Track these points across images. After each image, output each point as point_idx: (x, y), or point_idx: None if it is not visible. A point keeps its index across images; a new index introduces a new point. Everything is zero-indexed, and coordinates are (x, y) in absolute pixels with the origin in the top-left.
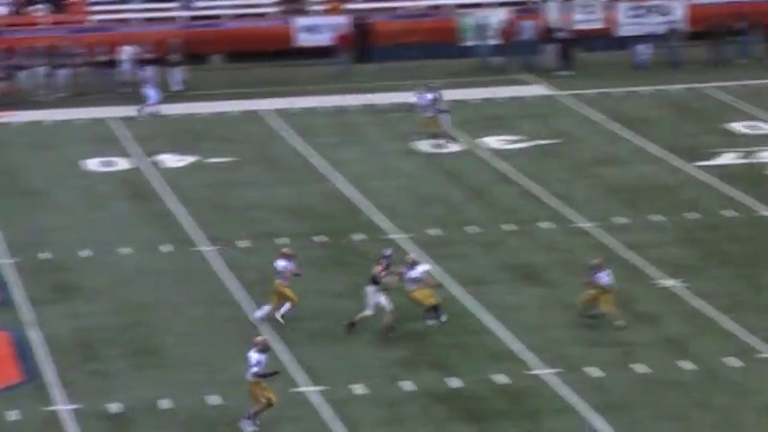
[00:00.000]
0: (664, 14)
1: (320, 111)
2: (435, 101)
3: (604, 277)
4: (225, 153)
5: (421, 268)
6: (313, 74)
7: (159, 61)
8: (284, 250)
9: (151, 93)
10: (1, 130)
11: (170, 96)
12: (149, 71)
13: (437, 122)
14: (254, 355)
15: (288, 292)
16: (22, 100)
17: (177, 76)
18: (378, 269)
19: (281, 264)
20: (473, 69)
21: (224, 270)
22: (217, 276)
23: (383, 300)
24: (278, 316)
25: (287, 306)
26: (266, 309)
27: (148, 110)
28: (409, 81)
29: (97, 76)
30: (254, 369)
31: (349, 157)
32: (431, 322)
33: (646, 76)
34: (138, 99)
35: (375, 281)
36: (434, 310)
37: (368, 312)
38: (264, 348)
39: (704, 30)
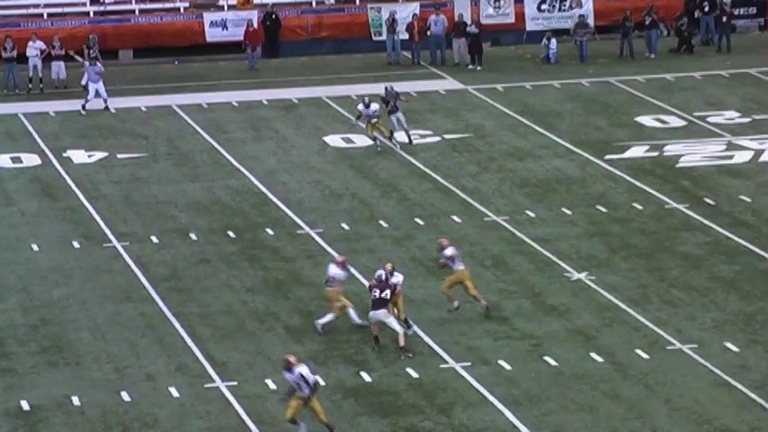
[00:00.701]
0: (572, 9)
1: (230, 106)
2: (376, 112)
3: (451, 252)
4: (135, 149)
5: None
6: (223, 69)
7: (69, 57)
8: (338, 258)
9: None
10: None
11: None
12: (91, 67)
13: (380, 128)
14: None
15: (342, 299)
16: None
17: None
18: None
19: (333, 271)
20: (383, 64)
21: (134, 266)
22: (127, 273)
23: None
24: (318, 324)
25: (329, 317)
26: (329, 317)
27: (88, 105)
28: (319, 76)
29: (6, 72)
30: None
31: (259, 152)
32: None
33: (554, 71)
34: (47, 96)
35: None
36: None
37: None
38: (288, 366)
39: (611, 24)
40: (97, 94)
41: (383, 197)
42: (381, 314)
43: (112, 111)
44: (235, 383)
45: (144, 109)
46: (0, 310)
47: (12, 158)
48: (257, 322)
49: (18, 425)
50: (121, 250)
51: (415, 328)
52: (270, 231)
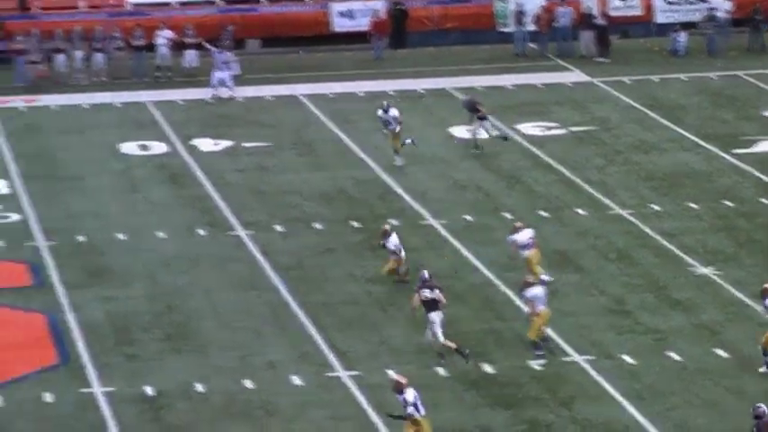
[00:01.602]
0: (702, 1)
1: (356, 96)
2: (397, 118)
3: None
4: (260, 138)
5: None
6: (349, 59)
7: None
8: (529, 279)
9: (216, 76)
10: (38, 114)
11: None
12: (219, 55)
13: (398, 137)
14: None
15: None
16: (59, 84)
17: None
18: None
19: (532, 293)
20: (509, 55)
21: (258, 255)
22: (251, 261)
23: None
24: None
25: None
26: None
27: (216, 93)
28: (445, 67)
29: (134, 60)
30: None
31: (384, 142)
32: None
33: (682, 63)
34: (174, 84)
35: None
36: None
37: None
38: (397, 389)
39: (742, 17)
40: (222, 83)
41: (507, 189)
42: (435, 316)
43: (240, 100)
44: (357, 373)
45: (270, 98)
46: (126, 297)
47: (139, 146)
48: (380, 312)
49: (143, 410)
50: (246, 239)
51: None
52: (394, 222)
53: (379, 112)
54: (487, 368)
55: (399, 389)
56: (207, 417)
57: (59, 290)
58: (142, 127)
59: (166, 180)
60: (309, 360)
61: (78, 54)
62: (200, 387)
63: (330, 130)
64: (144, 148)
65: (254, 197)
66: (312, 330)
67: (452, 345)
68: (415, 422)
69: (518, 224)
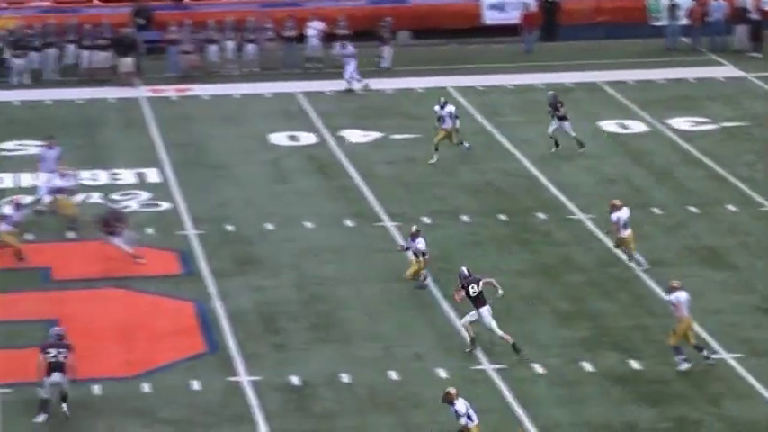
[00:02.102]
0: None
1: (505, 89)
2: (453, 113)
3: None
4: (409, 130)
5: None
6: (499, 51)
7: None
8: (674, 282)
9: (349, 69)
10: (189, 103)
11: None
12: (350, 48)
13: (451, 135)
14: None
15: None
16: (210, 74)
17: (387, 53)
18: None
19: (676, 297)
20: (661, 50)
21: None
22: (398, 253)
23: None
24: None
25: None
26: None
27: (358, 85)
28: (595, 60)
29: (284, 51)
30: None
31: (533, 135)
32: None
33: None
34: (324, 75)
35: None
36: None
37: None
38: (448, 400)
39: None
40: (352, 77)
41: (657, 184)
42: (485, 312)
43: (389, 91)
44: (502, 366)
45: (420, 90)
46: (273, 286)
47: (288, 136)
48: (526, 306)
49: (289, 399)
50: (393, 230)
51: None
52: (541, 215)
53: (436, 107)
54: (635, 364)
55: (450, 400)
56: (351, 407)
57: (208, 278)
58: (291, 117)
59: (315, 171)
60: (455, 353)
61: (230, 44)
62: (345, 377)
63: (479, 123)
64: (293, 138)
65: (401, 189)
66: (458, 323)
67: (509, 338)
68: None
69: (616, 202)
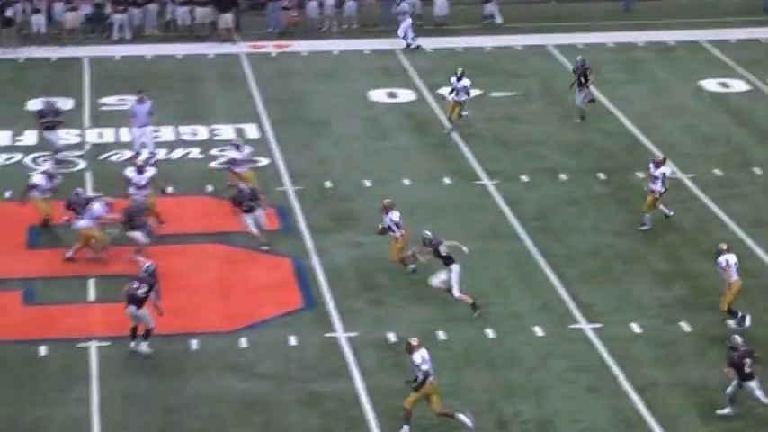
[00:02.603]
0: None
1: (605, 47)
2: (466, 88)
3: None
4: (509, 87)
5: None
6: (599, 10)
7: None
8: (722, 246)
9: (404, 26)
10: (289, 60)
11: (455, 29)
12: (406, 4)
13: (458, 108)
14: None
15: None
16: (309, 30)
17: (490, 9)
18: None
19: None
20: (762, 9)
21: (503, 204)
22: (495, 211)
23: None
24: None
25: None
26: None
27: (413, 42)
28: (697, 19)
29: (383, 8)
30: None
31: (633, 94)
32: None
33: None
34: (423, 32)
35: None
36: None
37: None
38: (407, 350)
39: None
40: (405, 33)
41: (759, 144)
42: (456, 268)
43: (488, 49)
44: (599, 325)
45: (520, 48)
46: (371, 243)
47: (387, 93)
48: (624, 265)
49: (385, 356)
50: (491, 188)
51: None
52: (640, 174)
53: (452, 78)
54: (732, 324)
55: (408, 350)
56: (448, 364)
57: (305, 234)
58: (390, 75)
59: (413, 128)
60: (551, 311)
61: (329, 1)
62: (441, 334)
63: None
64: (392, 95)
65: (500, 147)
66: (555, 281)
67: (468, 299)
68: (423, 385)
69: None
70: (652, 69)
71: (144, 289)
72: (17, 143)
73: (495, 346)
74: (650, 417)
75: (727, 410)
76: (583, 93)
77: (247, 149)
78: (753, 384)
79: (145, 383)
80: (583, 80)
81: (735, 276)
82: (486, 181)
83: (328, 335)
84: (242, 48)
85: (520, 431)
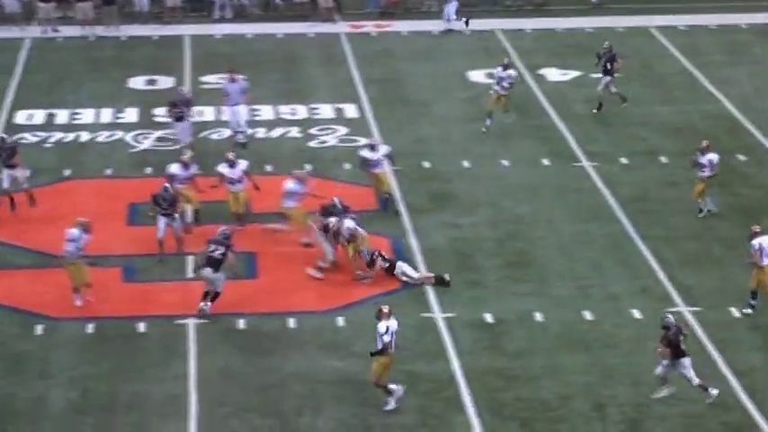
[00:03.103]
0: None
1: (707, 29)
2: (512, 78)
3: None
4: None
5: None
6: None
7: None
8: (756, 228)
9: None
10: (388, 39)
11: (557, 10)
12: None
13: (505, 102)
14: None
15: None
16: (409, 9)
17: None
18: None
19: (758, 242)
20: None
21: (602, 186)
22: (594, 192)
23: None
24: None
25: None
26: None
27: (456, 24)
28: None
29: None
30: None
31: (735, 76)
32: None
33: None
34: (524, 12)
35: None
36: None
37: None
38: (376, 316)
39: None
40: (449, 16)
41: None
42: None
43: (589, 30)
44: (698, 309)
45: (621, 29)
46: (470, 223)
47: (487, 74)
48: (724, 249)
49: (481, 336)
50: (590, 170)
51: None
52: (742, 157)
53: (498, 68)
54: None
55: (378, 316)
56: (544, 346)
57: (404, 214)
58: (491, 55)
59: (512, 109)
60: (650, 294)
61: None
62: (538, 316)
63: (680, 63)
64: (492, 76)
65: (599, 128)
66: (654, 264)
67: (430, 275)
68: (382, 354)
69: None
70: (755, 51)
71: (220, 251)
72: (118, 120)
73: (593, 328)
74: (749, 401)
75: (664, 392)
76: (605, 80)
77: (383, 149)
78: (686, 362)
79: (242, 361)
80: (609, 66)
81: (766, 261)
82: (585, 162)
83: (425, 315)
84: (342, 27)
85: (617, 414)
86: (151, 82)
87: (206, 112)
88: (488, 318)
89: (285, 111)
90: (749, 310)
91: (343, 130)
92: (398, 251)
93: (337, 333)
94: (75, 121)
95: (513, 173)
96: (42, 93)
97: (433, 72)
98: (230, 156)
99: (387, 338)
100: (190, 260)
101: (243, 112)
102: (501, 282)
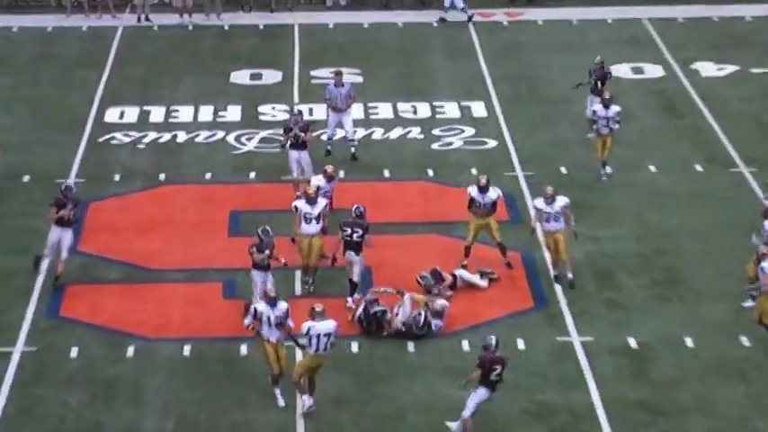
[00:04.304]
0: None
1: None
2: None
3: None
4: None
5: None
6: None
7: None
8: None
9: None
10: (521, 30)
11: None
12: None
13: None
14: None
15: None
16: None
17: None
18: None
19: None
20: None
21: (761, 194)
22: (753, 201)
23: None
24: None
25: None
26: None
27: (463, 15)
28: None
29: None
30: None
31: None
32: None
33: None
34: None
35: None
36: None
37: None
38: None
39: None
40: (452, 4)
41: None
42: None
43: (748, 19)
44: None
45: None
46: (610, 236)
47: (632, 68)
48: None
49: (624, 364)
50: (749, 176)
51: None
52: None
53: (596, 104)
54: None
55: (310, 315)
56: (695, 374)
57: (537, 225)
58: (636, 47)
59: (661, 108)
60: None
61: None
62: (689, 341)
63: None
64: (637, 70)
65: (759, 130)
66: None
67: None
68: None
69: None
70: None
71: (359, 233)
72: (219, 119)
73: (751, 356)
74: None
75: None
76: (594, 101)
77: (561, 201)
78: (485, 394)
79: (355, 388)
80: (599, 85)
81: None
82: (743, 169)
83: (561, 339)
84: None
85: None
86: (256, 76)
87: (316, 110)
88: (632, 343)
89: (405, 109)
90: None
91: (469, 131)
92: (531, 267)
93: (461, 358)
94: (172, 120)
95: (660, 179)
96: (136, 88)
97: (571, 66)
98: (328, 170)
99: (303, 340)
100: (297, 275)
101: (349, 119)
102: (646, 302)
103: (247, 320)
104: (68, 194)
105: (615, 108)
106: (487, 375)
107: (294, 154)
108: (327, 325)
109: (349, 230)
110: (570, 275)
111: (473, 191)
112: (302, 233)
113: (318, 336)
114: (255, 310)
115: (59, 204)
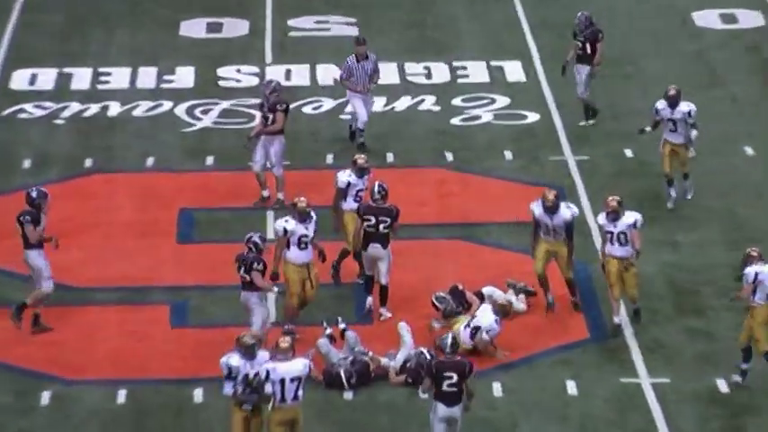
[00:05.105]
0: None
1: None
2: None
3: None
4: None
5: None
6: None
7: None
8: (753, 251)
9: None
10: None
11: None
12: None
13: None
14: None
15: None
16: None
17: None
18: None
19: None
20: None
21: None
22: None
23: None
24: None
25: None
26: None
27: None
28: None
29: None
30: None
31: None
32: None
33: None
34: None
35: None
36: None
37: None
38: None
39: None
40: None
41: None
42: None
43: None
44: None
45: None
46: (693, 242)
47: (721, 16)
48: None
49: (711, 414)
50: None
51: None
52: None
53: (659, 104)
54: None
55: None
56: None
57: (593, 228)
58: None
59: (760, 68)
60: None
61: None
62: None
63: None
64: (728, 19)
65: None
66: None
67: None
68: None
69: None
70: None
71: (386, 222)
72: (165, 85)
73: None
74: None
75: None
76: (584, 71)
77: (631, 216)
78: (443, 411)
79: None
80: (588, 49)
81: (758, 299)
82: None
83: (625, 380)
84: None
85: None
86: (215, 28)
87: (296, 74)
88: (722, 386)
89: (415, 71)
90: (739, 379)
91: (501, 101)
92: (585, 285)
93: (492, 407)
94: (101, 87)
95: (760, 165)
96: (53, 43)
97: (639, 12)
98: (359, 160)
99: (270, 388)
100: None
101: (370, 105)
102: (739, 331)
103: (228, 388)
104: None
105: (686, 107)
106: (439, 385)
107: (260, 138)
108: (299, 365)
109: (373, 219)
110: (635, 305)
111: (537, 209)
112: (293, 263)
113: (282, 381)
114: (230, 369)
115: None
